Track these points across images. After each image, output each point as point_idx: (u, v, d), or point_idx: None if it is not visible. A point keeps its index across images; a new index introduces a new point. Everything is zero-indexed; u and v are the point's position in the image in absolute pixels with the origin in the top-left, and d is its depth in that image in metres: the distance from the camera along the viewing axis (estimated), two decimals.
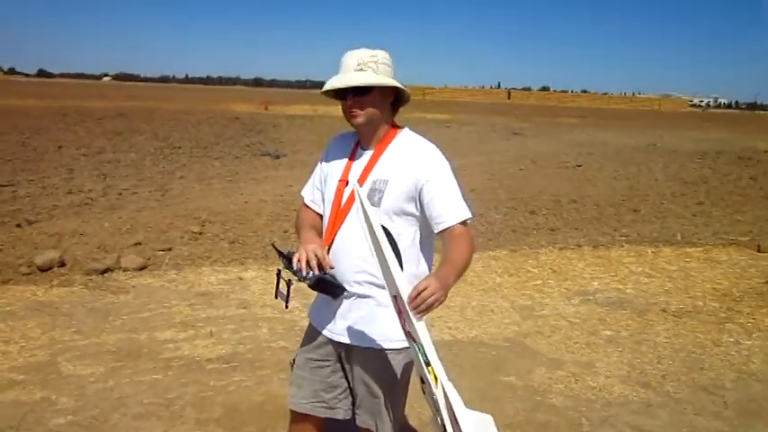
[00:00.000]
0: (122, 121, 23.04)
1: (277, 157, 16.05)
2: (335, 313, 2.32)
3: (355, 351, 2.32)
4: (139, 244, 6.89)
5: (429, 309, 2.00)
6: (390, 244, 2.16)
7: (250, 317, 5.04)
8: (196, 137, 19.54)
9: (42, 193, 9.96)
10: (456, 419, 1.94)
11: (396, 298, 2.08)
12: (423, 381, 2.09)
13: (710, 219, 9.55)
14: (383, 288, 2.21)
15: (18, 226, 7.67)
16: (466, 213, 2.25)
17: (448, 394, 1.96)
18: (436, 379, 1.99)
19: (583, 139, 23.98)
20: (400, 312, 2.09)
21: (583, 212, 9.84)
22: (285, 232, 7.65)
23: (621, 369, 4.33)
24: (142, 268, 6.15)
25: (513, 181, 12.73)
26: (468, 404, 1.88)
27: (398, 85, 2.28)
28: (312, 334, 2.45)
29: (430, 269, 2.38)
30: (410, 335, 2.07)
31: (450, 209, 2.23)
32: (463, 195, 2.29)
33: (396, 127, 2.37)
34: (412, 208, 2.27)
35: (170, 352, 4.35)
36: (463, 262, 2.16)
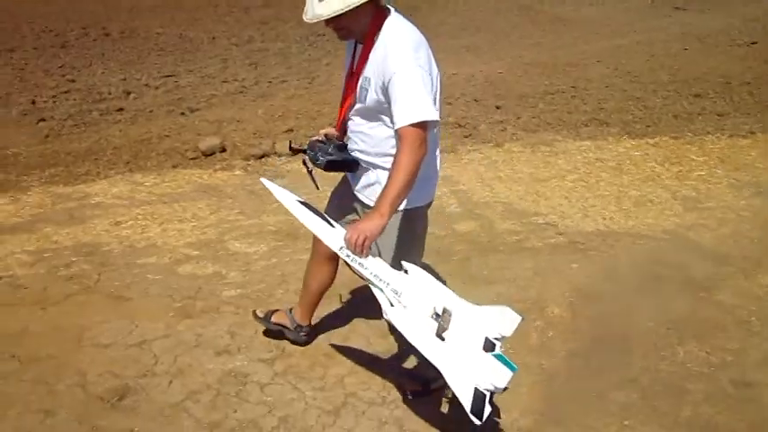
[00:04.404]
0: (269, 11, 23.31)
1: None
2: (355, 175, 2.67)
3: (366, 208, 2.54)
4: (291, 131, 7.13)
5: (365, 248, 2.26)
6: (312, 211, 2.53)
7: None
8: None
9: (201, 83, 10.48)
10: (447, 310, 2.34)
11: (340, 250, 2.38)
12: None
13: None
14: (381, 155, 2.43)
15: (182, 114, 8.19)
16: (415, 115, 2.12)
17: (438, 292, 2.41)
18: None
19: (759, 12, 21.21)
20: (349, 265, 2.40)
21: (757, 96, 8.83)
22: None
23: None
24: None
25: (676, 61, 11.61)
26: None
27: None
28: (346, 183, 2.76)
29: (437, 164, 2.57)
30: (367, 279, 2.34)
31: (401, 110, 2.15)
32: (431, 94, 2.20)
33: (381, 13, 2.30)
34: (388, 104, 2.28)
35: None
36: (396, 186, 2.19)
